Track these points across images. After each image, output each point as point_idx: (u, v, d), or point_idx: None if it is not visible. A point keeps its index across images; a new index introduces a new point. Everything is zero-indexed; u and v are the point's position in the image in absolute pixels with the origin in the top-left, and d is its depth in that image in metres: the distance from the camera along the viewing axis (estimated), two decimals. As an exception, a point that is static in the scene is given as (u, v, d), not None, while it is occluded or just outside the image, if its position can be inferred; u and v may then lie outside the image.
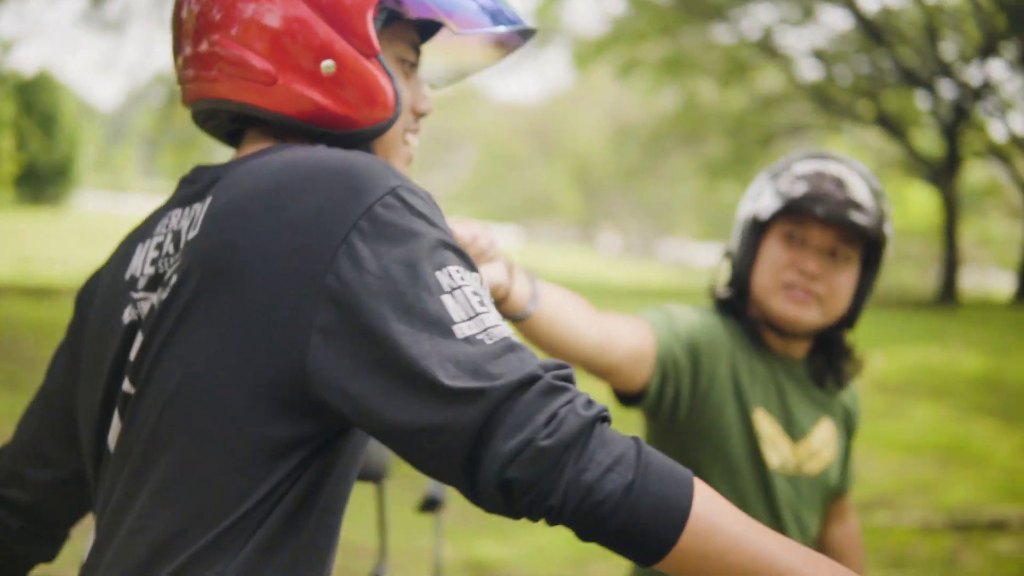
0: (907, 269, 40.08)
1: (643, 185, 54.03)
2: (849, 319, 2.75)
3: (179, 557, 1.48)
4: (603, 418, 1.40)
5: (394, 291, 1.43)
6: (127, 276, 1.71)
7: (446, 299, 1.44)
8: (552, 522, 1.39)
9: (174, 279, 1.55)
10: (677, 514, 1.37)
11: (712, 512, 1.40)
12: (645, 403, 2.50)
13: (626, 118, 44.32)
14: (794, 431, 2.74)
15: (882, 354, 15.09)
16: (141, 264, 1.69)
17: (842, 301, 2.70)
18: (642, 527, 1.36)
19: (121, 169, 73.66)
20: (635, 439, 1.41)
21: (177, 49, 1.73)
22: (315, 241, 1.46)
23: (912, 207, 39.91)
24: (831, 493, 2.84)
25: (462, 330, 1.42)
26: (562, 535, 7.20)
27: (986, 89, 30.12)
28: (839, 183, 2.64)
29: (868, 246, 2.70)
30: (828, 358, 2.81)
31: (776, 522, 2.67)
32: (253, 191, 1.53)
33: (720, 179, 35.35)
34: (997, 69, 33.37)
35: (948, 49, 30.17)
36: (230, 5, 1.64)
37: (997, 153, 32.53)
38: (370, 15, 1.64)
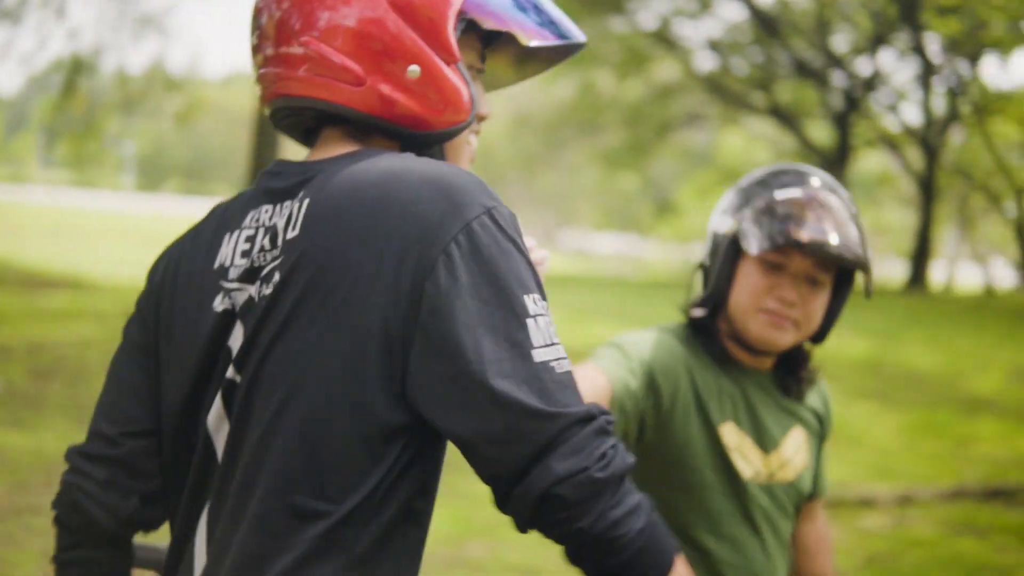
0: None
1: (543, 175, 54.07)
2: (819, 336, 2.81)
3: (306, 539, 1.62)
4: (631, 467, 1.61)
5: (484, 307, 1.57)
6: (216, 265, 1.81)
7: (530, 323, 1.59)
8: (563, 541, 1.60)
9: (277, 276, 1.67)
10: (666, 563, 1.63)
11: (683, 569, 1.68)
12: None
13: (526, 108, 44.29)
14: (765, 442, 2.78)
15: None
16: (231, 254, 1.79)
17: (816, 323, 2.74)
18: (640, 566, 1.60)
19: (22, 159, 72.52)
20: (644, 495, 1.64)
21: (257, 48, 1.84)
22: (418, 250, 1.59)
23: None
24: (805, 498, 2.89)
25: (539, 354, 1.58)
26: (440, 515, 7.36)
27: (877, 79, 30.68)
28: (820, 211, 2.67)
29: (842, 268, 2.76)
30: (792, 368, 2.86)
31: (752, 530, 2.74)
32: (357, 199, 1.65)
33: (618, 168, 35.57)
34: (888, 60, 33.95)
35: (840, 40, 30.68)
36: (321, 9, 1.75)
37: (888, 142, 33.12)
38: (451, 25, 1.76)
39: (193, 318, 1.81)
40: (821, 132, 34.16)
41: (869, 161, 46.28)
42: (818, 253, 2.61)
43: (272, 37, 1.80)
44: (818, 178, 2.77)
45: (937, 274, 51.64)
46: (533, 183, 59.96)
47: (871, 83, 30.37)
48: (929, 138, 32.92)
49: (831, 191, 2.74)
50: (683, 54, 32.23)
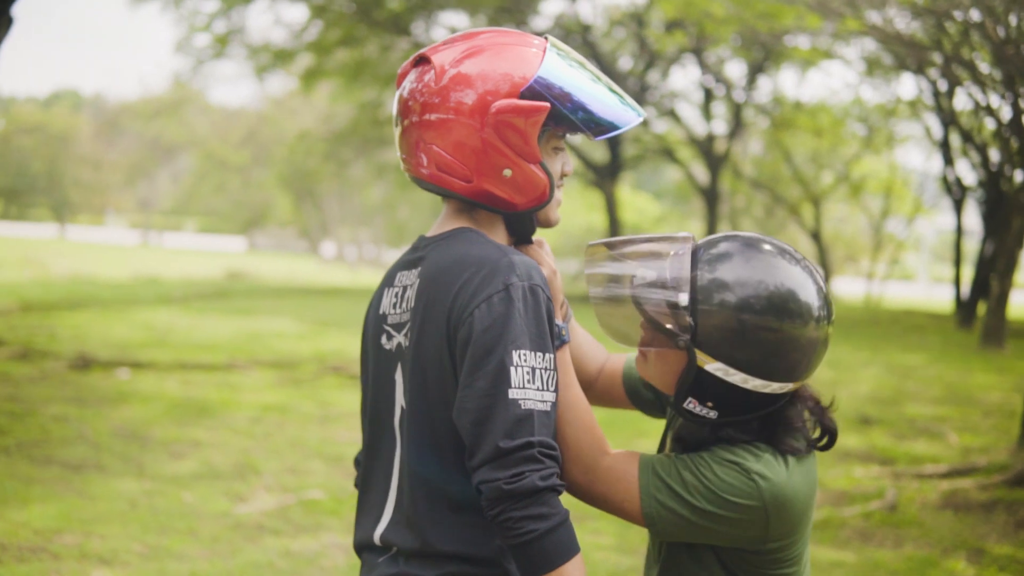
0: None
1: (359, 192, 53.48)
2: None
3: (436, 492, 2.44)
4: (552, 488, 2.28)
5: (486, 354, 2.30)
6: (380, 311, 2.61)
7: (511, 370, 2.29)
8: (491, 516, 2.28)
9: (409, 333, 2.48)
10: (559, 560, 2.26)
11: (576, 568, 2.29)
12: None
13: (339, 126, 43.78)
14: None
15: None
16: (389, 305, 2.59)
17: None
18: (537, 555, 2.25)
19: None
20: (564, 510, 2.30)
21: (399, 135, 2.56)
22: (459, 312, 2.36)
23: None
24: None
25: (513, 393, 2.28)
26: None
27: (648, 91, 31.13)
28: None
29: None
30: None
31: None
32: (436, 282, 2.43)
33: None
34: (674, 72, 34.33)
35: (625, 61, 30.94)
36: (444, 124, 2.44)
37: (667, 152, 33.71)
38: (536, 135, 2.45)
39: (374, 352, 2.62)
40: (597, 147, 34.56)
41: (673, 172, 46.93)
42: None
43: (409, 136, 2.52)
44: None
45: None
46: (351, 201, 59.54)
47: (643, 94, 30.81)
48: (711, 148, 33.66)
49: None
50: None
